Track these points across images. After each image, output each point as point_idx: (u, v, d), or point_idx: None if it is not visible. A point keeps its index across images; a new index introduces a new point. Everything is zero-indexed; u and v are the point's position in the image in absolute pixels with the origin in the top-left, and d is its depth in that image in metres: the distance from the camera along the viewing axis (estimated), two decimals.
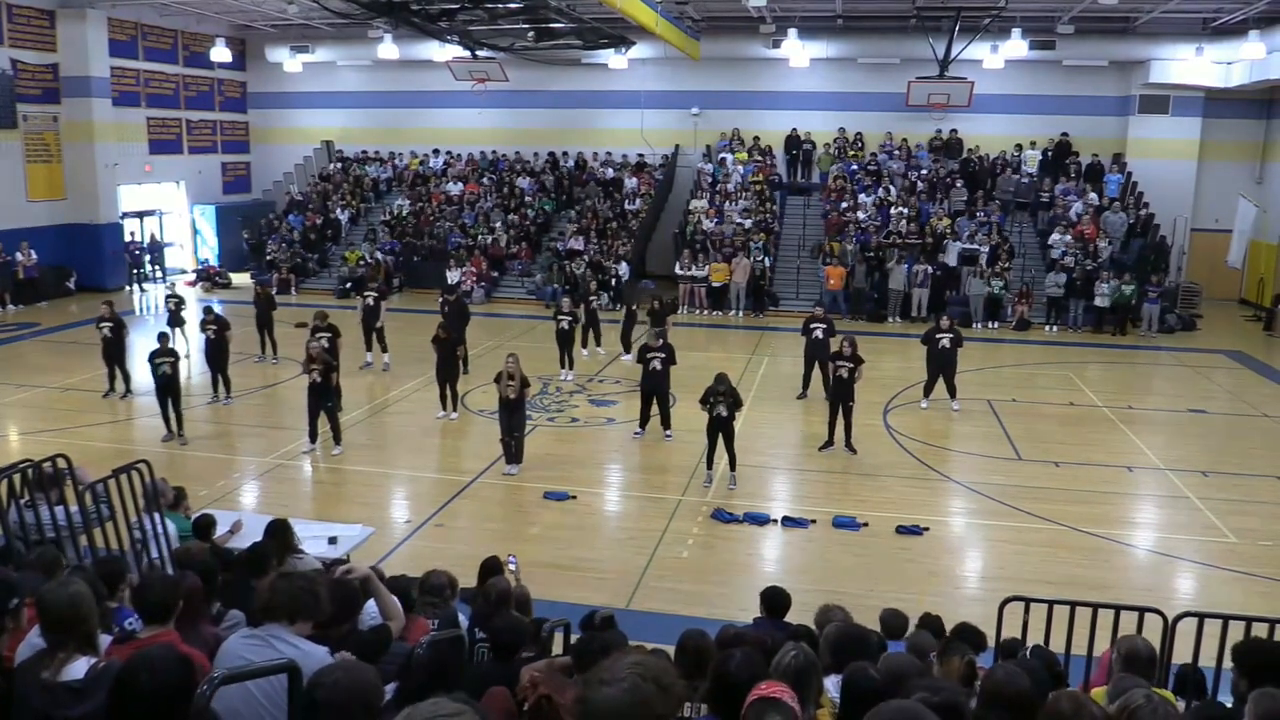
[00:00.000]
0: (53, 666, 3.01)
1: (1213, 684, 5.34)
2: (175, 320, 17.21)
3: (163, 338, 13.13)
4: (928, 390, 14.93)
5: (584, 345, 18.07)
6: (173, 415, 12.63)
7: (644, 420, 13.18)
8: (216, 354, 14.45)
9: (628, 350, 17.83)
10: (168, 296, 17.94)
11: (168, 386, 12.51)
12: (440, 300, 17.27)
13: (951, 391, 14.71)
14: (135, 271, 25.23)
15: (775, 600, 6.01)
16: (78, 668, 3.00)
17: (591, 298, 18.90)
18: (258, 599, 3.60)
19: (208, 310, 15.16)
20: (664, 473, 11.91)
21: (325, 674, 2.64)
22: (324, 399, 12.24)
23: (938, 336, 14.61)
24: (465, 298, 23.93)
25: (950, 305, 22.06)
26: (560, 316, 16.33)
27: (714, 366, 15.53)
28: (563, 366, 16.45)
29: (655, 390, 13.00)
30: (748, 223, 24.98)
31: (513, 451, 11.65)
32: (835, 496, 11.09)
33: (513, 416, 11.54)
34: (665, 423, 13.07)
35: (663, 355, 12.93)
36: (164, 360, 12.50)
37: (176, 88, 27.84)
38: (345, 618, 4.20)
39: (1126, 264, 22.69)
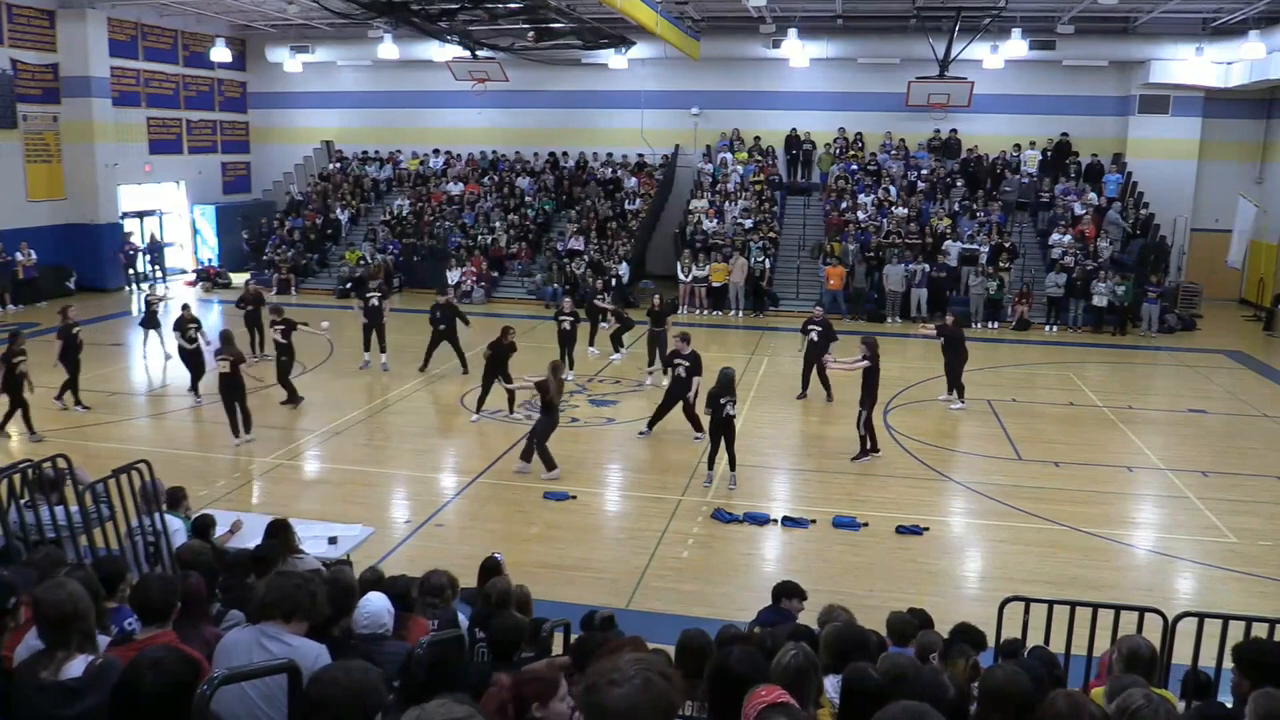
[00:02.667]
0: (51, 666, 3.01)
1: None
2: (151, 322, 17.21)
3: None
4: (803, 383, 15.26)
5: (592, 344, 18.15)
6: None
7: (654, 421, 13.12)
8: (195, 359, 14.63)
9: (618, 350, 17.86)
10: (145, 298, 17.96)
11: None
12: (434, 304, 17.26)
13: (824, 383, 15.00)
14: (130, 272, 25.19)
15: (776, 589, 6.20)
16: (76, 666, 3.00)
17: (598, 299, 18.88)
18: (253, 597, 3.60)
19: (185, 308, 15.15)
20: (664, 473, 11.90)
21: (324, 674, 2.64)
22: (235, 390, 12.31)
23: (809, 328, 14.94)
24: (464, 298, 23.98)
25: (951, 305, 22.08)
26: (562, 317, 16.30)
27: (714, 366, 15.49)
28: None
29: (680, 398, 12.74)
30: (748, 223, 24.98)
31: (530, 451, 11.60)
32: (835, 496, 11.08)
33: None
34: (696, 425, 12.82)
35: (687, 364, 12.60)
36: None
37: (176, 88, 27.83)
38: (340, 614, 4.19)
39: (1126, 264, 22.69)
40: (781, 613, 6.12)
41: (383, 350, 16.84)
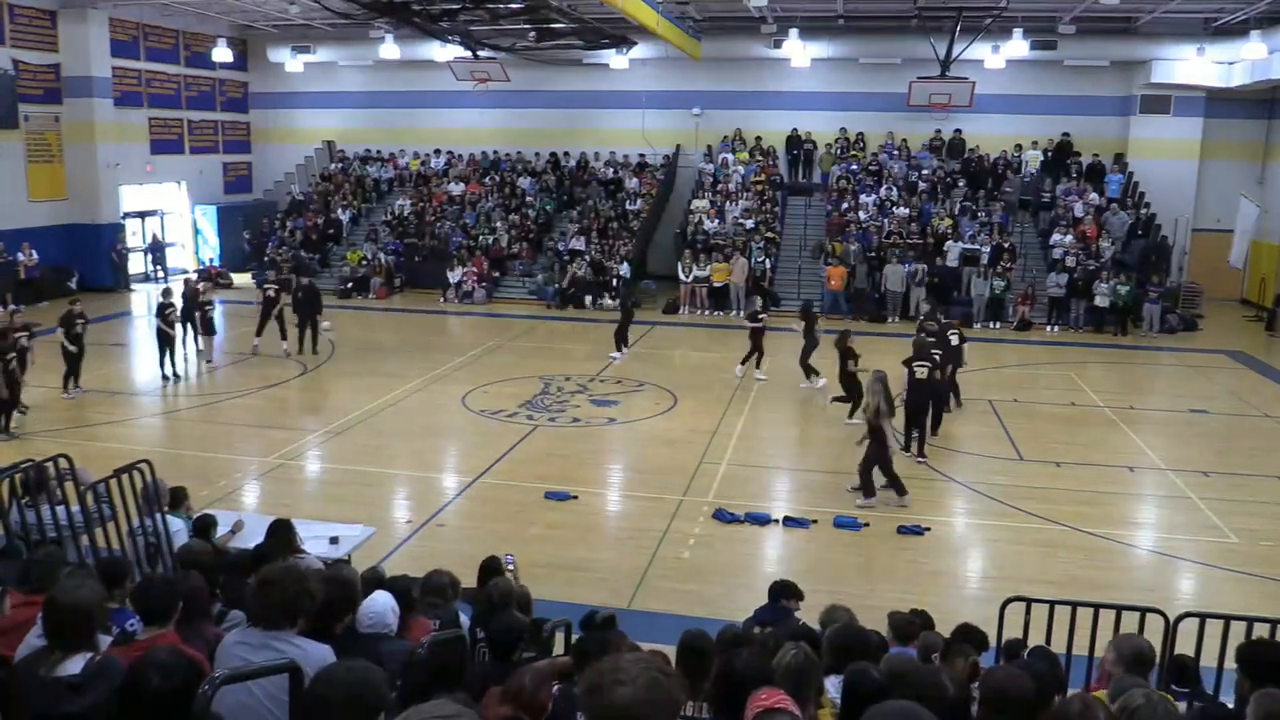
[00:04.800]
0: (49, 664, 3.01)
1: (1214, 684, 5.33)
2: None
3: None
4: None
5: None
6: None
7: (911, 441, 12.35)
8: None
9: (619, 349, 17.85)
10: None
11: None
12: (294, 287, 17.90)
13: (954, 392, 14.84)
14: (124, 272, 25.13)
15: (774, 588, 6.25)
16: (75, 664, 3.00)
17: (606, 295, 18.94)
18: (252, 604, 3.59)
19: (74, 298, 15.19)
20: (665, 473, 11.87)
21: (326, 673, 2.64)
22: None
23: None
24: (466, 298, 24.04)
25: (953, 305, 22.08)
26: (760, 316, 16.26)
27: (715, 365, 15.52)
28: (748, 364, 16.25)
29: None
30: (749, 223, 24.98)
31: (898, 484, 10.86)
32: (836, 496, 11.05)
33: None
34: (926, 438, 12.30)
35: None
36: None
37: (178, 88, 27.84)
38: (343, 611, 4.18)
39: (1128, 264, 22.68)
40: (779, 611, 6.13)
41: (283, 337, 17.57)
